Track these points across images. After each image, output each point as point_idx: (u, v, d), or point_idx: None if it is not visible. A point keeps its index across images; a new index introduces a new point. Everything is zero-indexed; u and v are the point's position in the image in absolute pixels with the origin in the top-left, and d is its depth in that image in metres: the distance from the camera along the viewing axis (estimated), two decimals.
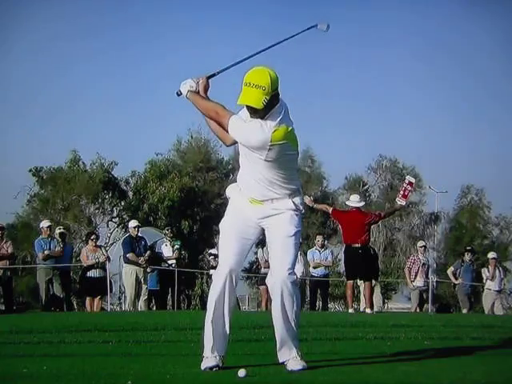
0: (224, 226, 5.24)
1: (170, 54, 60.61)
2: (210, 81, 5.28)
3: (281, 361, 5.10)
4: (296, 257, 5.16)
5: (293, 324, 5.07)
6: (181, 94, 5.28)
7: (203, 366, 5.01)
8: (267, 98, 4.84)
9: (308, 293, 17.70)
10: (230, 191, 5.36)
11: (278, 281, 5.03)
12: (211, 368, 4.98)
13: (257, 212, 5.17)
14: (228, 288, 5.09)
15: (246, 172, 5.18)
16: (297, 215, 5.19)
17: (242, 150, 5.14)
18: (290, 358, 5.04)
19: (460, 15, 53.48)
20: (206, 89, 5.25)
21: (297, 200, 5.21)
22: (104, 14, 55.02)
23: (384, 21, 59.22)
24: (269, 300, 18.58)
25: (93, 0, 54.64)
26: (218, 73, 5.32)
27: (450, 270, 18.86)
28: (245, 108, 5.06)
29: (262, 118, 4.95)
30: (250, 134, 4.96)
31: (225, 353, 5.11)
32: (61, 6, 52.25)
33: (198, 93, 5.24)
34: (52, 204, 32.67)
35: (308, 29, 5.41)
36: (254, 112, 4.93)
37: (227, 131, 5.11)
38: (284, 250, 5.09)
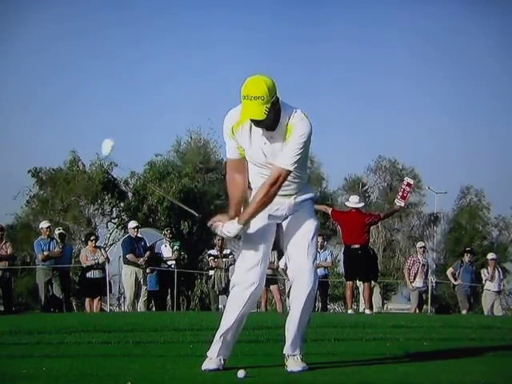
0: (251, 234, 5.07)
1: (170, 55, 60.69)
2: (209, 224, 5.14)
3: (284, 352, 5.07)
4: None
5: (307, 320, 5.08)
6: (235, 235, 5.05)
7: (204, 366, 5.01)
8: (268, 106, 4.78)
9: None
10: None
11: (306, 274, 5.01)
12: (211, 370, 4.97)
13: (286, 208, 5.09)
14: (254, 300, 5.12)
15: (255, 168, 5.09)
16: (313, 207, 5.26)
17: (267, 156, 5.01)
18: (291, 357, 5.03)
19: (459, 15, 53.57)
20: (226, 218, 5.07)
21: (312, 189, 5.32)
22: (103, 14, 55.12)
23: (383, 20, 59.45)
24: (268, 301, 18.61)
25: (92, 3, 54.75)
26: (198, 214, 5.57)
27: (449, 271, 18.86)
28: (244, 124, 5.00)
29: (271, 126, 4.89)
30: (307, 137, 4.90)
31: (228, 356, 5.12)
32: (59, 5, 52.26)
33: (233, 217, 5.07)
34: (51, 205, 32.69)
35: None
36: (259, 123, 4.89)
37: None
38: (310, 244, 5.08)
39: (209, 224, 5.10)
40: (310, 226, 5.12)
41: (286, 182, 5.01)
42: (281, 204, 5.08)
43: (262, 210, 4.94)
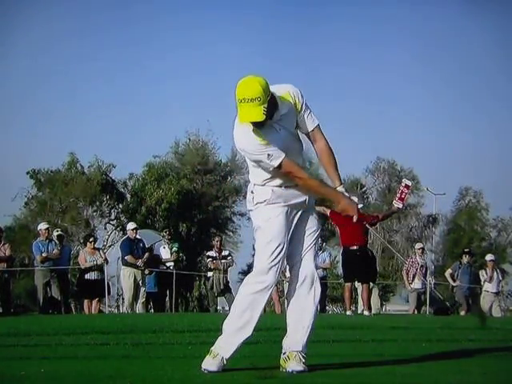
0: (271, 232, 4.98)
1: (169, 56, 60.70)
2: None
3: (295, 349, 5.04)
4: None
5: (314, 320, 5.11)
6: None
7: (205, 366, 4.94)
8: (265, 106, 4.73)
9: None
10: (266, 194, 5.02)
11: (316, 274, 5.07)
12: (210, 372, 4.90)
13: (306, 196, 5.08)
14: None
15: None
16: None
17: (287, 140, 4.97)
18: (298, 354, 5.00)
19: (459, 14, 53.59)
20: (343, 199, 5.03)
21: None
22: (102, 14, 55.13)
23: (382, 21, 59.48)
24: (266, 303, 18.53)
25: (95, 8, 54.72)
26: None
27: (448, 272, 18.88)
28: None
29: (271, 118, 4.86)
30: (299, 90, 4.98)
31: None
32: (56, 6, 52.23)
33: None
34: (50, 206, 32.71)
35: None
36: (259, 122, 4.82)
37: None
38: (316, 246, 5.15)
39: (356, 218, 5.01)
40: (315, 227, 5.14)
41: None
42: (297, 196, 5.07)
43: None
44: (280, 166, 4.87)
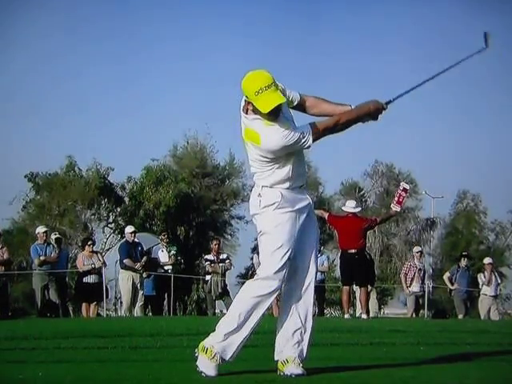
0: (281, 238, 4.97)
1: (168, 59, 60.69)
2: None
3: (296, 355, 5.04)
4: None
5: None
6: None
7: (204, 368, 4.90)
8: (280, 90, 4.88)
9: None
10: (275, 197, 5.01)
11: (313, 279, 5.11)
12: (208, 376, 4.87)
13: (309, 199, 5.18)
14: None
15: (292, 164, 5.02)
16: None
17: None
18: (297, 359, 5.01)
19: (457, 20, 53.60)
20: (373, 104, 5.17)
21: None
22: (102, 17, 55.14)
23: (382, 24, 59.52)
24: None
25: (90, 6, 54.80)
26: (394, 99, 5.25)
27: (446, 276, 18.89)
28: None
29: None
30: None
31: None
32: (60, 12, 52.22)
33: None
34: (48, 210, 32.67)
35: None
36: (278, 108, 4.86)
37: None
38: (316, 249, 5.19)
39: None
40: (315, 232, 5.19)
41: (300, 171, 5.10)
42: (302, 200, 5.12)
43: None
44: (314, 134, 4.97)
